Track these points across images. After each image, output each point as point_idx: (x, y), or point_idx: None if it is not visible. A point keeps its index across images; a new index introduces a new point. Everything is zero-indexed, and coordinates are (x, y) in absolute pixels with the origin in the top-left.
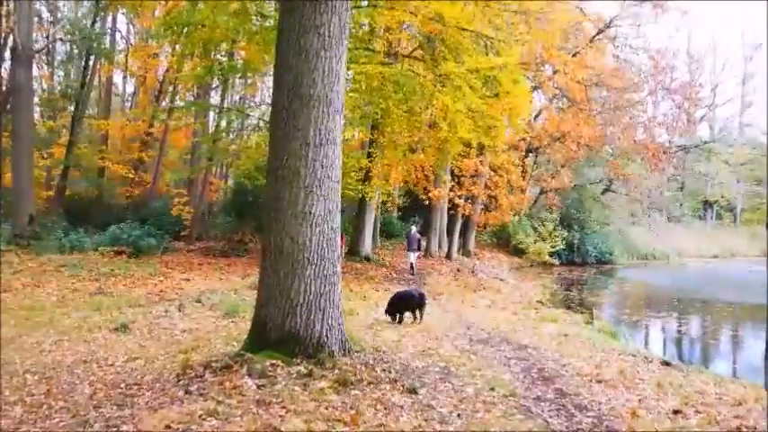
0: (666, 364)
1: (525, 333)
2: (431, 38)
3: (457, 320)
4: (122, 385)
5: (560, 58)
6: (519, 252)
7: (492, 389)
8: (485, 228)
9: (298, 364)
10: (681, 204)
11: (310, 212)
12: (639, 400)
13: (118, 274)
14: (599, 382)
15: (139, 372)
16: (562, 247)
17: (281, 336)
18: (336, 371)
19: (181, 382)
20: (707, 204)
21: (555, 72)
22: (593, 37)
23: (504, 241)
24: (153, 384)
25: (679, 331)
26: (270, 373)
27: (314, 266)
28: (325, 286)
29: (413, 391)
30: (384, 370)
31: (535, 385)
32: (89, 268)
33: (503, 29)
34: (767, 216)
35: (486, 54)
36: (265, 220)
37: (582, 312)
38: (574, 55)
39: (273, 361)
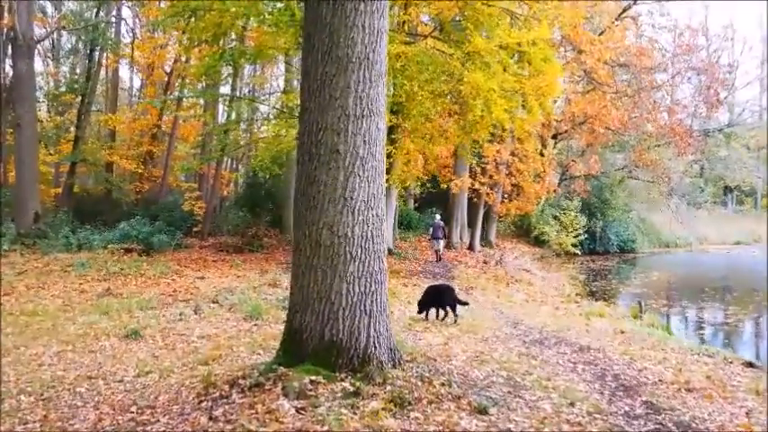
0: (750, 365)
1: (579, 331)
2: (442, 19)
3: (500, 317)
4: (133, 408)
5: (587, 37)
6: (540, 242)
7: (572, 404)
8: (506, 217)
9: (342, 380)
10: (702, 190)
11: (351, 197)
12: (747, 413)
13: (128, 274)
14: (689, 390)
15: (153, 389)
16: (584, 236)
17: (320, 346)
18: (389, 387)
19: (203, 405)
20: (727, 190)
21: (580, 52)
22: (620, 15)
23: (524, 231)
24: (169, 406)
25: (726, 323)
26: (310, 393)
27: (357, 262)
28: (370, 285)
29: (483, 410)
30: (443, 384)
31: (618, 397)
32: (97, 267)
33: (532, 5)
34: (767, 202)
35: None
36: (297, 208)
37: (613, 303)
38: (600, 34)
39: (313, 377)
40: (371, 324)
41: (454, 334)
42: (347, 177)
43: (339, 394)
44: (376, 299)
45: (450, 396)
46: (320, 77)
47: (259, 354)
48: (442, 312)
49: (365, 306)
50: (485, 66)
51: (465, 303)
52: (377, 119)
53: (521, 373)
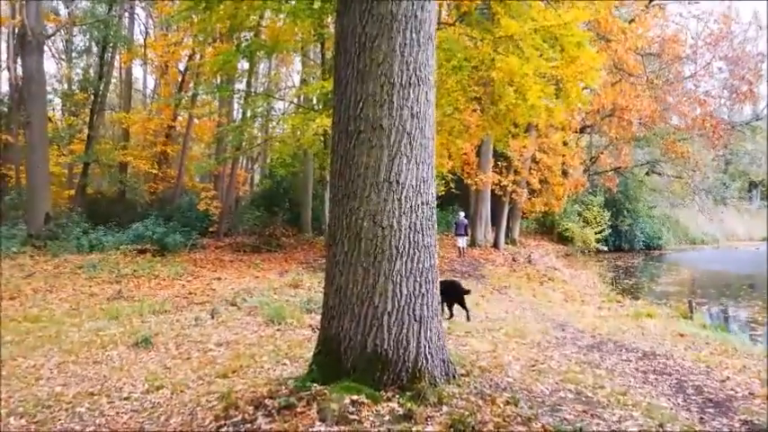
0: None
1: (634, 334)
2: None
3: (543, 319)
4: None
5: (617, 24)
6: (563, 239)
7: (660, 425)
8: (531, 214)
9: (389, 400)
10: (726, 185)
11: (398, 182)
12: None
13: (141, 275)
14: None
15: (164, 409)
16: (608, 232)
17: (361, 358)
18: (445, 408)
19: (222, 431)
20: (752, 185)
21: (608, 41)
22: (650, 2)
23: (547, 228)
24: None
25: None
26: (352, 417)
27: (405, 258)
28: (420, 285)
29: None
30: (508, 402)
31: (710, 415)
32: (109, 269)
33: None
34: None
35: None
36: (333, 195)
37: (656, 302)
38: (630, 22)
39: (355, 396)
40: (422, 331)
41: (500, 339)
42: (392, 158)
43: (387, 418)
44: (426, 302)
45: (519, 418)
46: (359, 40)
47: (285, 364)
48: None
49: (414, 310)
50: (518, 50)
51: (466, 292)
52: (426, 88)
53: (590, 386)
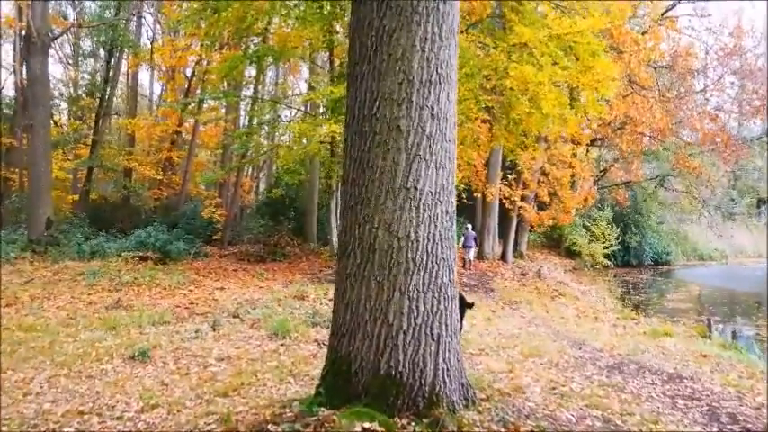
0: None
1: (654, 354)
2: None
3: (557, 337)
4: None
5: (630, 36)
6: (571, 253)
7: None
8: (539, 228)
9: (404, 428)
10: (734, 201)
11: (416, 188)
12: None
13: (141, 284)
14: None
15: (159, 431)
16: (617, 247)
17: (374, 381)
18: None
19: None
20: (761, 201)
21: (620, 53)
22: (664, 13)
23: (554, 242)
24: None
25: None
26: None
27: (423, 271)
28: (439, 302)
29: None
30: None
31: None
32: (109, 276)
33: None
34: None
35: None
36: (345, 202)
37: (668, 319)
38: (643, 34)
39: (366, 423)
40: (440, 352)
41: (516, 358)
42: (410, 162)
43: None
44: (445, 320)
45: None
46: (376, 33)
47: (289, 383)
48: None
49: (432, 329)
50: (532, 58)
51: (470, 305)
52: (447, 87)
53: (617, 412)
